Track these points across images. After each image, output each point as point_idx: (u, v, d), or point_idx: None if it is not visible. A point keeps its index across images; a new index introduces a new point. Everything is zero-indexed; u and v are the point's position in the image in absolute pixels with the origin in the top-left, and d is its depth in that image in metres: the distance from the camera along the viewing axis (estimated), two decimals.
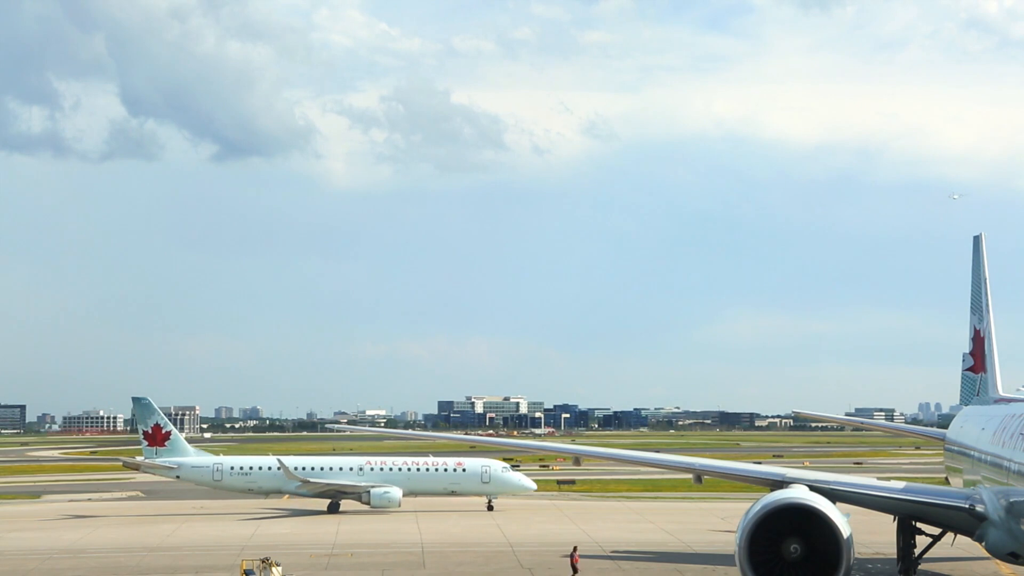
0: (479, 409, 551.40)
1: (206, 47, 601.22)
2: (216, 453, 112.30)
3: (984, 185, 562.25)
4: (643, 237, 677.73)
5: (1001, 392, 55.23)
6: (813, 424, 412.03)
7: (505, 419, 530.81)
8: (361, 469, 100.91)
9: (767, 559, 40.34)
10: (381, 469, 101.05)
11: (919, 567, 51.60)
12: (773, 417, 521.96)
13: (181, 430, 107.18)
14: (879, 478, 52.97)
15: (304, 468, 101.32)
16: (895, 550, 52.46)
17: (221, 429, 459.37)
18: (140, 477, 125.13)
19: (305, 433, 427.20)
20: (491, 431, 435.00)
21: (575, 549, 63.49)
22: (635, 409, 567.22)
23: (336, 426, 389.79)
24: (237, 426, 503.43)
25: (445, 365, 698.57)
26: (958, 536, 50.29)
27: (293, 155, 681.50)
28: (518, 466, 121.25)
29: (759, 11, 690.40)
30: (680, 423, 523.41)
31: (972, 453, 49.84)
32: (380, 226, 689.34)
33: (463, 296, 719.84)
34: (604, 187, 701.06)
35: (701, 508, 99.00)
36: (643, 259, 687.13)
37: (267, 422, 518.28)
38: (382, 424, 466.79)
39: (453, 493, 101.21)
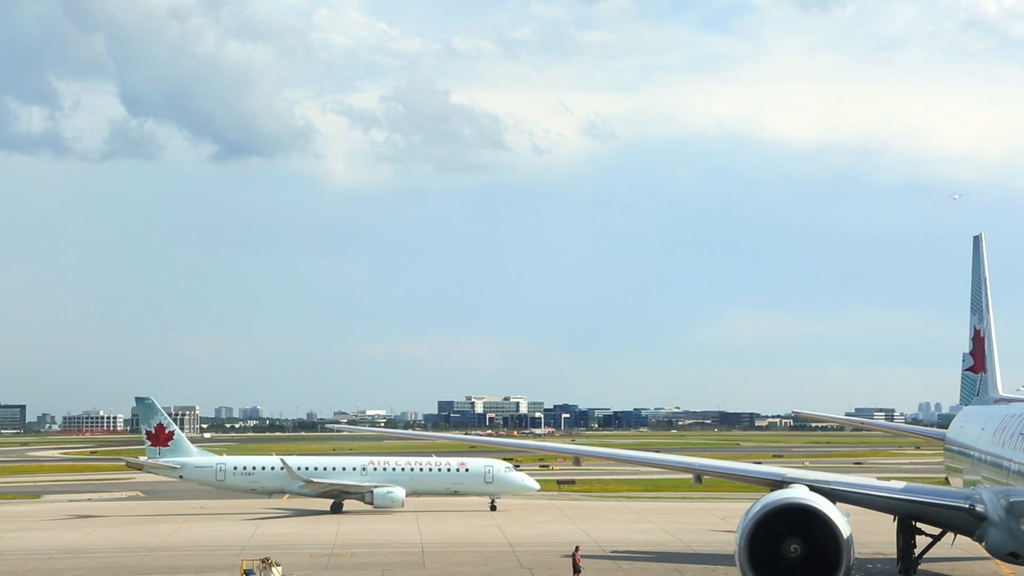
0: (479, 409, 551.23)
1: (206, 47, 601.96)
2: (217, 453, 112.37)
3: (984, 185, 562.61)
4: (643, 237, 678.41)
5: (1001, 392, 55.25)
6: (813, 424, 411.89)
7: (505, 419, 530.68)
8: (364, 469, 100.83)
9: (767, 559, 40.38)
10: (384, 469, 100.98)
11: (919, 567, 51.63)
12: (773, 417, 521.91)
13: (181, 430, 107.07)
14: (879, 478, 53.02)
15: (307, 468, 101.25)
16: (895, 550, 52.50)
17: (221, 429, 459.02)
18: (140, 477, 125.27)
19: (305, 433, 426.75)
20: (491, 431, 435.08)
21: (577, 549, 63.48)
22: (635, 409, 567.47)
23: (336, 426, 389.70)
24: (237, 426, 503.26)
25: (445, 365, 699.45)
26: (958, 536, 50.33)
27: (293, 155, 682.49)
28: (519, 466, 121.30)
29: (759, 11, 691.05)
30: (680, 423, 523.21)
31: (972, 453, 49.88)
32: (380, 226, 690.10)
33: (463, 296, 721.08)
34: (604, 187, 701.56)
35: (701, 508, 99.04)
36: (643, 259, 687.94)
37: (267, 422, 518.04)
38: (382, 424, 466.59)
39: (456, 493, 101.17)
